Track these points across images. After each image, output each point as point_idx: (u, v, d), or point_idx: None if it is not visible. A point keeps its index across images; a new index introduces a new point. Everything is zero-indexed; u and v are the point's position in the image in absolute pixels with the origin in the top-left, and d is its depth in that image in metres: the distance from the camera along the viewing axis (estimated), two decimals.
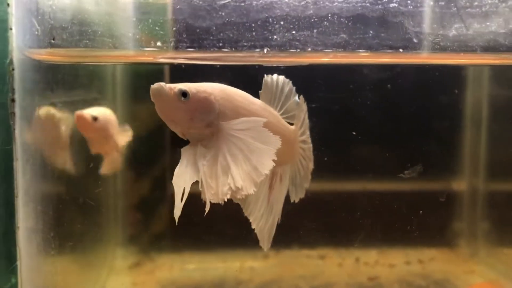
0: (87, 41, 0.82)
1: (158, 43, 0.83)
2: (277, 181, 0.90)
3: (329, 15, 0.80)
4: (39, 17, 0.78)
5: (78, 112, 1.06)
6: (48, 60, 0.84)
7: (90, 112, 1.11)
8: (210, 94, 0.75)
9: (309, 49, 0.83)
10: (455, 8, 0.81)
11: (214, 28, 0.80)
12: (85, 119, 1.08)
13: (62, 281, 1.05)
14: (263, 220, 0.87)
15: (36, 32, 0.78)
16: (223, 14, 0.80)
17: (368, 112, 1.30)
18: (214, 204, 1.47)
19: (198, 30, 0.81)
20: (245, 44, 0.81)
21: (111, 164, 1.25)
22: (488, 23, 0.85)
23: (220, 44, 0.81)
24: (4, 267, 0.88)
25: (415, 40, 0.84)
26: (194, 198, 1.39)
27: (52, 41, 0.80)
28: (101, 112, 1.16)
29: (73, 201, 1.01)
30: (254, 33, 0.81)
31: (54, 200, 0.90)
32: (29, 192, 0.82)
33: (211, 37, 0.81)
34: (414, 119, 1.39)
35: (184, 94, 0.73)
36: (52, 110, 0.98)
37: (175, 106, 0.74)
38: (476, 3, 0.81)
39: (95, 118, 1.10)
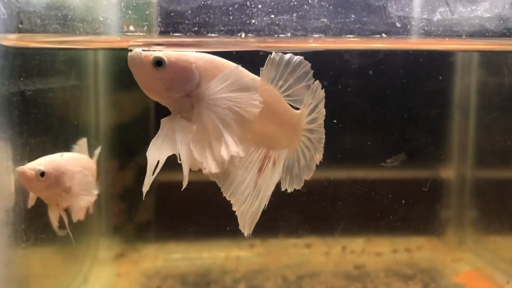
0: (57, 26, 0.78)
1: (131, 27, 0.80)
2: (269, 165, 0.86)
3: None
4: (5, 0, 0.75)
5: (20, 168, 0.85)
6: (17, 45, 0.81)
7: (37, 164, 0.88)
8: (190, 63, 0.73)
9: (289, 34, 0.80)
10: None
11: (189, 12, 0.77)
12: (28, 176, 0.85)
13: (39, 273, 1.03)
14: (247, 204, 0.83)
15: (3, 16, 0.75)
16: None
17: (351, 100, 1.27)
18: (199, 192, 1.46)
19: (172, 14, 0.78)
20: (222, 28, 0.78)
21: (81, 210, 1.02)
22: (474, 7, 0.83)
23: (196, 29, 0.78)
24: None
25: (398, 25, 0.81)
26: (179, 187, 1.37)
27: (20, 25, 0.77)
28: (53, 163, 0.91)
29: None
30: (231, 17, 0.78)
31: (26, 191, 0.87)
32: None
33: (187, 21, 0.78)
34: (400, 106, 1.37)
35: (158, 62, 0.71)
36: None
37: (150, 74, 0.72)
38: None
39: (42, 174, 0.87)
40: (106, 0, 0.85)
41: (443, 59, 1.38)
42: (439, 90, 1.42)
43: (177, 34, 0.81)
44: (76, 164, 0.97)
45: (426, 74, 1.29)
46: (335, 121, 1.02)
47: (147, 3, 0.82)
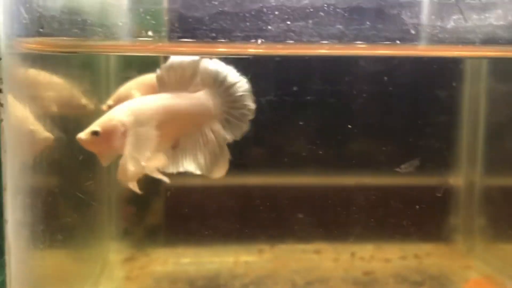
0: (78, 31, 0.80)
1: (150, 33, 0.82)
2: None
3: (325, 5, 0.79)
4: (27, 5, 0.77)
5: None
6: (37, 49, 0.82)
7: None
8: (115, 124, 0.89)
9: (304, 40, 0.81)
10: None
11: (207, 18, 0.79)
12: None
13: (54, 275, 1.04)
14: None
15: (24, 21, 0.77)
16: (216, 3, 0.78)
17: (364, 105, 1.28)
18: (209, 197, 1.46)
19: (190, 20, 0.79)
20: (239, 34, 0.79)
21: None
22: (487, 15, 0.84)
23: (213, 34, 0.80)
24: None
25: (412, 32, 0.82)
26: (188, 192, 1.38)
27: (41, 30, 0.78)
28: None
29: (64, 194, 0.99)
30: (248, 23, 0.79)
31: (44, 192, 0.89)
32: (17, 184, 0.80)
33: (204, 27, 0.79)
34: (411, 112, 1.37)
35: (95, 133, 0.87)
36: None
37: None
38: None
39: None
40: (122, 6, 0.87)
41: (454, 65, 1.39)
42: (449, 96, 1.43)
43: (190, 40, 0.83)
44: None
45: (438, 80, 1.30)
46: (349, 126, 1.03)
47: (163, 10, 0.83)
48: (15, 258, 0.81)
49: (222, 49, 0.84)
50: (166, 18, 0.82)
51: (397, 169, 1.20)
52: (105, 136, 0.88)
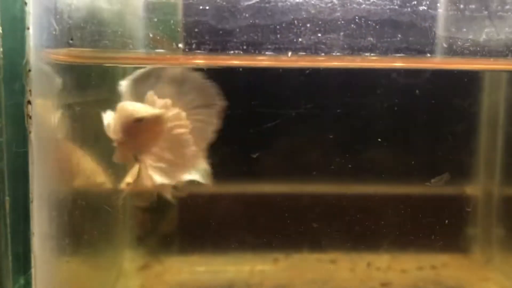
0: (106, 42, 0.79)
1: (180, 45, 0.81)
2: None
3: (356, 17, 0.78)
4: (57, 16, 0.76)
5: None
6: (65, 60, 0.82)
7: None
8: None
9: (337, 53, 0.80)
10: (486, 12, 0.78)
11: (237, 30, 0.78)
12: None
13: (74, 285, 1.03)
14: None
15: (54, 32, 0.76)
16: (247, 15, 0.78)
17: (383, 116, 1.28)
18: (223, 206, 1.45)
19: (221, 32, 0.78)
20: (269, 47, 0.79)
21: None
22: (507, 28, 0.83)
23: (244, 47, 0.79)
24: (14, 268, 0.87)
25: (444, 45, 0.81)
26: (202, 200, 1.37)
27: (70, 41, 0.78)
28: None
29: (87, 206, 0.99)
30: (279, 35, 0.78)
31: (69, 205, 0.88)
32: (43, 196, 0.80)
33: (235, 39, 0.78)
34: (429, 123, 1.37)
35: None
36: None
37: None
38: (508, 7, 0.79)
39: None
40: (138, 17, 0.87)
41: (472, 75, 1.38)
42: (467, 106, 1.42)
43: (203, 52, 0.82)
44: None
45: (455, 90, 1.29)
46: (379, 139, 1.02)
47: (196, 22, 0.82)
48: (41, 269, 0.81)
49: (236, 61, 0.84)
50: (203, 30, 0.81)
51: (427, 184, 1.19)
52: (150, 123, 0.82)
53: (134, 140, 0.84)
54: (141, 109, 0.83)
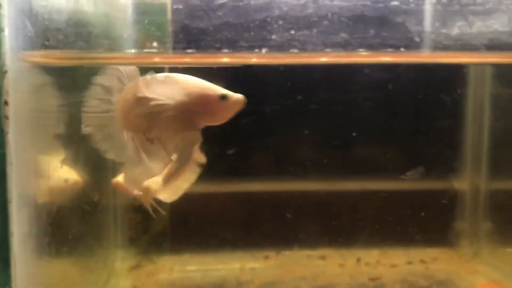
0: (83, 43, 0.80)
1: (155, 44, 0.82)
2: None
3: (329, 14, 0.79)
4: (33, 18, 0.77)
5: None
6: (42, 62, 0.83)
7: None
8: None
9: (309, 49, 0.81)
10: (458, 6, 0.79)
11: (211, 28, 0.79)
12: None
13: (61, 285, 1.04)
14: None
15: (30, 34, 0.77)
16: (220, 14, 0.78)
17: (369, 112, 1.28)
18: (214, 204, 1.46)
19: (195, 31, 0.79)
20: (243, 44, 0.79)
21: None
22: (492, 21, 0.84)
23: (218, 45, 0.80)
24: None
25: (416, 39, 0.82)
26: (194, 199, 1.38)
27: (46, 42, 0.79)
28: None
29: (70, 205, 0.99)
30: (252, 33, 0.79)
31: (49, 204, 0.89)
32: (23, 197, 0.80)
33: (209, 38, 0.79)
34: (415, 118, 1.37)
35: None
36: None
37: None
38: (479, 0, 0.80)
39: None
40: (127, 18, 0.87)
41: (458, 71, 1.39)
42: (453, 101, 1.43)
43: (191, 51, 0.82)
44: None
45: (441, 85, 1.30)
46: (354, 134, 1.03)
47: (168, 21, 0.83)
48: (20, 269, 0.81)
49: (226, 59, 0.84)
50: (170, 29, 0.82)
51: (402, 177, 1.20)
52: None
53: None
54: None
